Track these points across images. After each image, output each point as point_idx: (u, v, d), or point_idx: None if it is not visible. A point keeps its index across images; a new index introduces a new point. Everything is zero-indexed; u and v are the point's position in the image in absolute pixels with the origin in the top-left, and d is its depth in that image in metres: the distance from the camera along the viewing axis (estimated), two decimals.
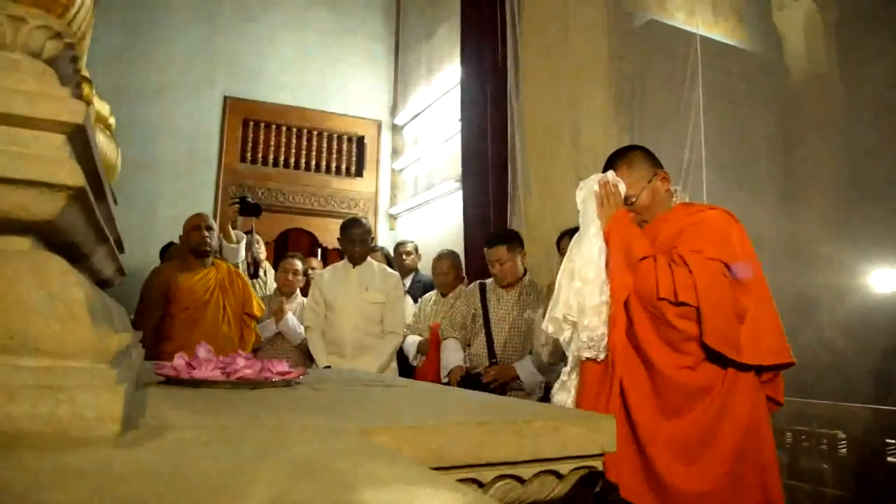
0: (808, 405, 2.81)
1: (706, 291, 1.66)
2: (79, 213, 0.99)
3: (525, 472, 0.99)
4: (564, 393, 1.93)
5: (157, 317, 3.39)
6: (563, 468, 1.03)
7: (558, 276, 1.96)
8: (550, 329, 1.93)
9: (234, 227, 4.22)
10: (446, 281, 3.89)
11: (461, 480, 0.92)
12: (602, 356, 1.82)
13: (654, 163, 2.00)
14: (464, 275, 4.04)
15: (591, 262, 1.87)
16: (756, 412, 1.73)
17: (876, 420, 2.67)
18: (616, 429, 1.70)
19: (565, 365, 2.73)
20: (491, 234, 3.52)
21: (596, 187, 1.95)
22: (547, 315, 1.96)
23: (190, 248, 3.54)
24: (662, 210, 1.96)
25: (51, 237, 0.96)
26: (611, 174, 1.97)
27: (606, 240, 1.89)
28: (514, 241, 3.33)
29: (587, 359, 1.85)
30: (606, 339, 1.81)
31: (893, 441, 2.58)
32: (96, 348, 0.77)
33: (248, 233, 4.35)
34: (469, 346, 3.37)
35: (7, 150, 0.81)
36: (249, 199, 4.35)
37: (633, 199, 1.95)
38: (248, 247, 4.29)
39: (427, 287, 4.43)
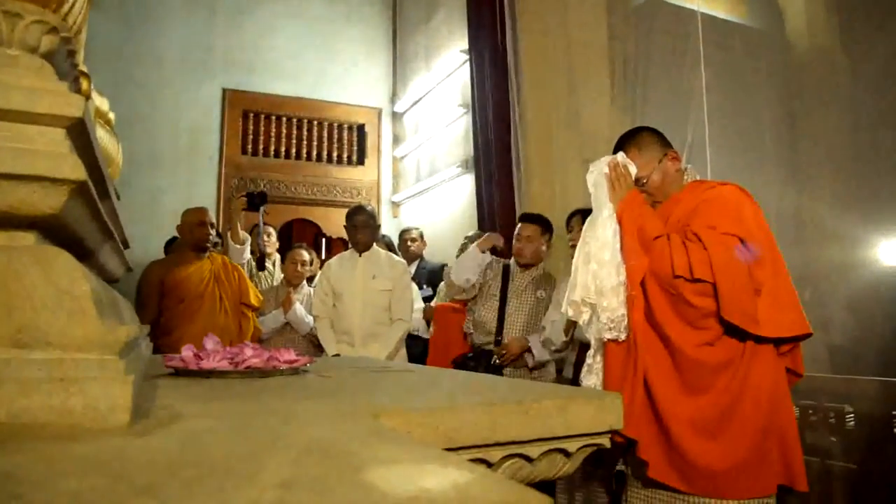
0: (816, 379, 2.81)
1: (722, 267, 1.66)
2: (82, 207, 1.00)
3: (533, 451, 1.00)
4: (593, 376, 1.93)
5: (153, 311, 3.41)
6: (571, 446, 1.04)
7: (574, 260, 1.96)
8: (570, 312, 1.93)
9: (239, 222, 4.23)
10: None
11: (470, 461, 0.92)
12: (623, 336, 1.82)
13: (664, 143, 1.99)
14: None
15: (606, 245, 1.87)
16: (776, 385, 1.73)
17: (883, 393, 2.67)
18: (640, 409, 1.73)
19: (570, 345, 2.74)
20: (524, 215, 3.55)
21: (606, 170, 1.95)
22: (565, 298, 1.97)
23: (192, 243, 3.54)
24: (675, 190, 1.96)
25: (56, 232, 0.97)
26: (620, 156, 1.96)
27: (619, 221, 1.88)
28: (546, 226, 3.38)
29: (609, 340, 1.85)
30: (627, 319, 1.81)
31: None
32: (104, 340, 0.78)
33: (256, 225, 4.36)
34: (474, 312, 3.39)
35: (8, 145, 0.82)
36: (255, 192, 4.35)
37: (645, 181, 1.95)
38: (254, 237, 4.30)
39: (432, 273, 4.44)
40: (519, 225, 3.37)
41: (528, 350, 3.13)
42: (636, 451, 1.75)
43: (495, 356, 3.16)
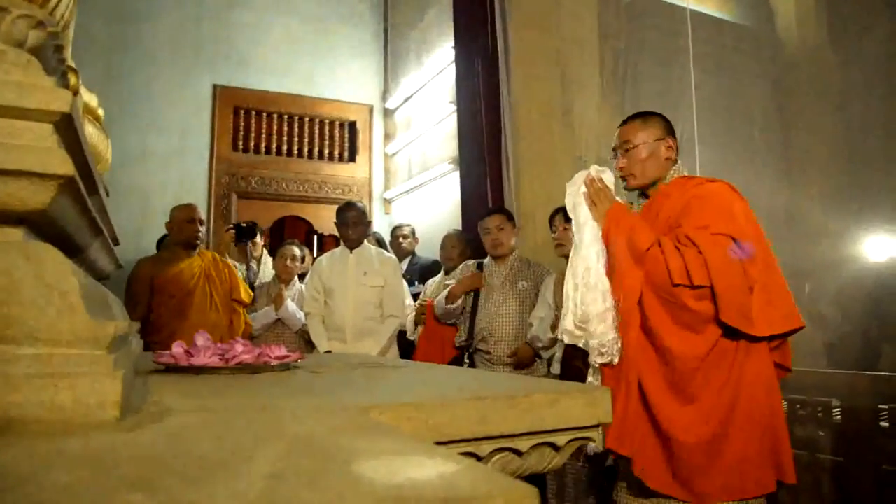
0: (803, 374, 2.84)
1: (718, 269, 1.65)
2: (71, 203, 0.99)
3: (523, 444, 1.01)
4: None
5: (143, 308, 3.41)
6: (560, 440, 1.05)
7: (564, 287, 1.94)
8: (566, 340, 1.92)
9: (229, 254, 4.22)
10: (451, 256, 3.94)
11: (460, 454, 0.93)
12: (616, 360, 1.79)
13: (669, 131, 1.97)
14: (469, 254, 4.05)
15: (591, 269, 1.84)
16: (769, 381, 1.74)
17: (869, 387, 2.71)
18: (633, 424, 1.73)
19: (557, 342, 2.74)
20: (486, 211, 3.58)
21: (584, 188, 1.93)
22: (560, 327, 1.96)
23: (182, 240, 3.53)
24: (656, 175, 1.93)
25: (44, 228, 0.97)
26: (594, 169, 1.93)
27: (606, 238, 1.85)
28: (509, 215, 3.41)
29: (601, 365, 1.83)
30: (619, 342, 1.79)
31: (886, 406, 2.62)
32: (93, 336, 0.78)
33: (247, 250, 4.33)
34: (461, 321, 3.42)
35: None
36: (243, 224, 4.34)
37: (630, 147, 1.93)
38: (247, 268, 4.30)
39: (424, 269, 4.44)
40: (485, 220, 3.37)
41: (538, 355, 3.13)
42: (632, 470, 1.74)
43: (465, 356, 3.21)
